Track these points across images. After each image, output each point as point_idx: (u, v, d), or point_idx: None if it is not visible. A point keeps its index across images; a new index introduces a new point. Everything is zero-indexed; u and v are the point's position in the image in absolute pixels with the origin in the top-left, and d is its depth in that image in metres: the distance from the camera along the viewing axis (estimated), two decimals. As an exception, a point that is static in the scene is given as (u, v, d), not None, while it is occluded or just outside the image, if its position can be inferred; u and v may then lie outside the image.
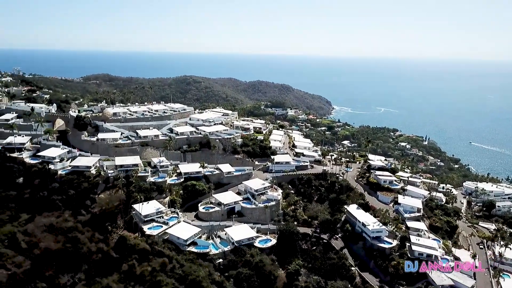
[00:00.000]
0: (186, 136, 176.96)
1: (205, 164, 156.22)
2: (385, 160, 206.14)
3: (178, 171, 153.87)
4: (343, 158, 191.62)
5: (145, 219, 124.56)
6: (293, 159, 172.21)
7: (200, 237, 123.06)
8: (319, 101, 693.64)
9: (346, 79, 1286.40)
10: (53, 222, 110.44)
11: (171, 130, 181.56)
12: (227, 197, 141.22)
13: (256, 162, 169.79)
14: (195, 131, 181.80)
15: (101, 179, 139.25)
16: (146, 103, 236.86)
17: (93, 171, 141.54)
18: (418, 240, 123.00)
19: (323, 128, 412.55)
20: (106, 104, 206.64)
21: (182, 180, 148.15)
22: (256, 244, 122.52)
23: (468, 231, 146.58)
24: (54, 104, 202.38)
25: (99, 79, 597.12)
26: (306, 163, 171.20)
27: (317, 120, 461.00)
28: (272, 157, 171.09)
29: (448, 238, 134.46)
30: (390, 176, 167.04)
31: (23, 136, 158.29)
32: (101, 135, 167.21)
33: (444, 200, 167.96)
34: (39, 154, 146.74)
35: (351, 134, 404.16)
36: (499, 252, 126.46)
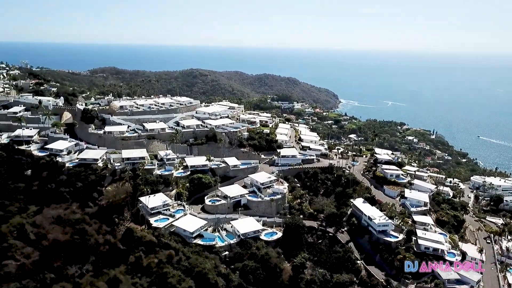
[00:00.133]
0: (192, 129, 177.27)
1: (211, 157, 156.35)
2: (392, 154, 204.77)
3: (184, 164, 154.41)
4: (349, 152, 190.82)
5: (152, 212, 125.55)
6: (299, 153, 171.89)
7: (206, 229, 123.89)
8: (326, 94, 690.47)
9: (353, 73, 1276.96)
10: (61, 214, 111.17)
11: (177, 123, 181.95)
12: (233, 190, 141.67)
13: (262, 156, 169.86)
14: (201, 124, 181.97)
15: (108, 171, 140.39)
16: (152, 96, 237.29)
17: (100, 163, 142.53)
18: (425, 234, 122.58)
19: (330, 121, 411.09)
20: (113, 97, 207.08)
21: (188, 173, 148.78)
22: (262, 237, 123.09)
23: (475, 226, 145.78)
24: (62, 97, 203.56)
25: (106, 72, 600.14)
26: (312, 157, 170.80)
27: (324, 113, 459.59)
28: (278, 150, 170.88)
29: (455, 233, 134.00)
30: (397, 170, 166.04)
31: (31, 129, 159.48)
32: (108, 128, 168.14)
33: (451, 194, 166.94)
34: (47, 146, 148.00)
35: (357, 128, 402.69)
36: (506, 247, 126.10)
